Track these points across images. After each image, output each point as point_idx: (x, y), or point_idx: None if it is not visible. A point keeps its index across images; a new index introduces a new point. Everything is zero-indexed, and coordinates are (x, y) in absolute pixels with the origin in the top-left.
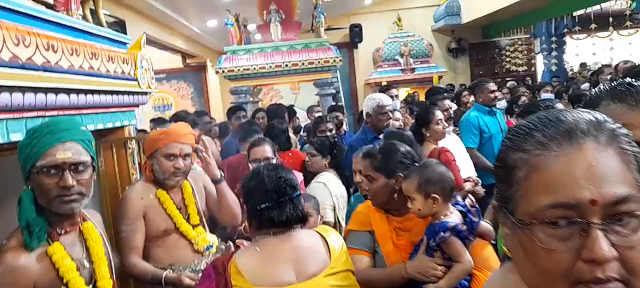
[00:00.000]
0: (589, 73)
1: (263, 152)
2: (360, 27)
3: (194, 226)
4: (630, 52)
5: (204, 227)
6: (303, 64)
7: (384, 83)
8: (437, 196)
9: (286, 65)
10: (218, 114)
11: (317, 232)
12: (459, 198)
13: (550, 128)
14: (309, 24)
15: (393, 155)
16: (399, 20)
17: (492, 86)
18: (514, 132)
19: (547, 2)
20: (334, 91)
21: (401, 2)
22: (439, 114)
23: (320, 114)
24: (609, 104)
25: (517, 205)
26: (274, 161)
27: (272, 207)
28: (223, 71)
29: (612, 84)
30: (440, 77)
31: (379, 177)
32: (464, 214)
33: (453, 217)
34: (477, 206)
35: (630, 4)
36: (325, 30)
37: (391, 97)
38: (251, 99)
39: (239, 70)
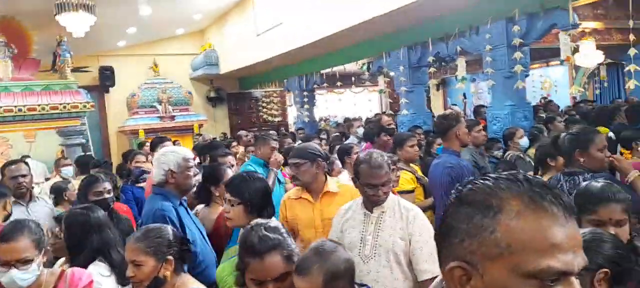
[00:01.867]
0: (333, 124)
1: (16, 251)
2: (112, 69)
3: None
4: (370, 108)
5: None
6: (43, 108)
7: (141, 131)
8: None
9: (20, 110)
10: None
11: None
12: None
13: None
14: (49, 62)
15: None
16: (156, 65)
17: (274, 143)
18: None
19: (293, 61)
20: (83, 141)
21: (157, 47)
22: (230, 173)
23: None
24: (522, 209)
25: None
26: (36, 262)
27: None
28: None
29: (516, 177)
30: (200, 126)
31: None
32: None
33: None
34: None
35: (362, 66)
36: (71, 71)
37: None
38: None
39: None
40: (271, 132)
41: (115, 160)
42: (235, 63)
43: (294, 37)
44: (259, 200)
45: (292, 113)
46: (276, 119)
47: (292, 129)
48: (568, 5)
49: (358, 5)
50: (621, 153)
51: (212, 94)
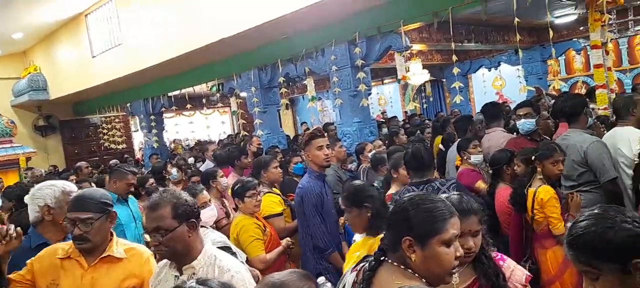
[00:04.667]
0: (189, 148)
1: None
2: None
3: None
4: (223, 130)
5: None
6: None
7: None
8: None
9: None
10: None
11: None
12: None
13: None
14: None
15: None
16: None
17: (132, 178)
18: None
19: (137, 84)
20: None
21: None
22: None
23: None
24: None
25: None
26: None
27: None
28: None
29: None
30: (28, 159)
31: None
32: None
33: None
34: None
35: (211, 88)
36: None
37: None
38: None
39: None
40: (116, 163)
41: None
42: (68, 87)
43: (135, 59)
44: None
45: (139, 138)
46: (120, 146)
47: (138, 155)
48: (400, 29)
49: (205, 27)
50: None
51: (41, 123)
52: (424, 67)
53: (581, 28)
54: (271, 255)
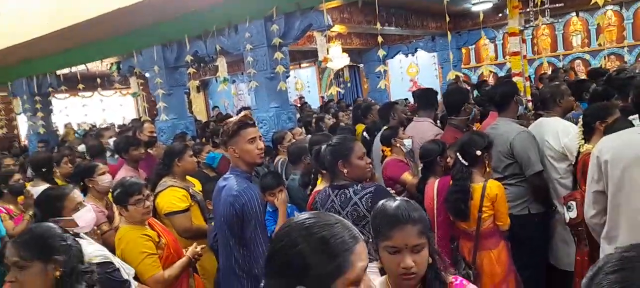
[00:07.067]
0: (80, 135)
1: None
2: None
3: None
4: (124, 114)
5: None
6: None
7: None
8: None
9: None
10: None
11: None
12: None
13: None
14: None
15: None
16: None
17: None
18: None
19: (18, 59)
20: None
21: None
22: None
23: None
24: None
25: None
26: None
27: None
28: None
29: None
30: None
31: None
32: None
33: None
34: None
35: (111, 66)
36: None
37: None
38: None
39: None
40: None
41: None
42: None
43: (16, 29)
44: None
45: (24, 123)
46: (1, 131)
47: (24, 141)
48: (322, 5)
49: None
50: (383, 152)
51: None
52: (343, 51)
53: (497, 16)
54: (171, 271)
